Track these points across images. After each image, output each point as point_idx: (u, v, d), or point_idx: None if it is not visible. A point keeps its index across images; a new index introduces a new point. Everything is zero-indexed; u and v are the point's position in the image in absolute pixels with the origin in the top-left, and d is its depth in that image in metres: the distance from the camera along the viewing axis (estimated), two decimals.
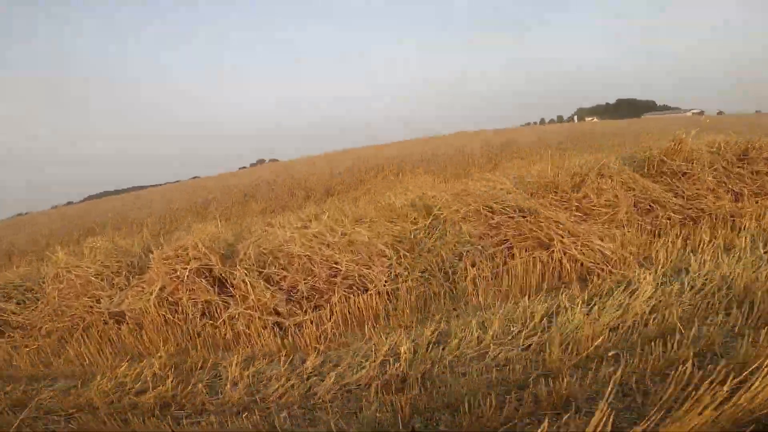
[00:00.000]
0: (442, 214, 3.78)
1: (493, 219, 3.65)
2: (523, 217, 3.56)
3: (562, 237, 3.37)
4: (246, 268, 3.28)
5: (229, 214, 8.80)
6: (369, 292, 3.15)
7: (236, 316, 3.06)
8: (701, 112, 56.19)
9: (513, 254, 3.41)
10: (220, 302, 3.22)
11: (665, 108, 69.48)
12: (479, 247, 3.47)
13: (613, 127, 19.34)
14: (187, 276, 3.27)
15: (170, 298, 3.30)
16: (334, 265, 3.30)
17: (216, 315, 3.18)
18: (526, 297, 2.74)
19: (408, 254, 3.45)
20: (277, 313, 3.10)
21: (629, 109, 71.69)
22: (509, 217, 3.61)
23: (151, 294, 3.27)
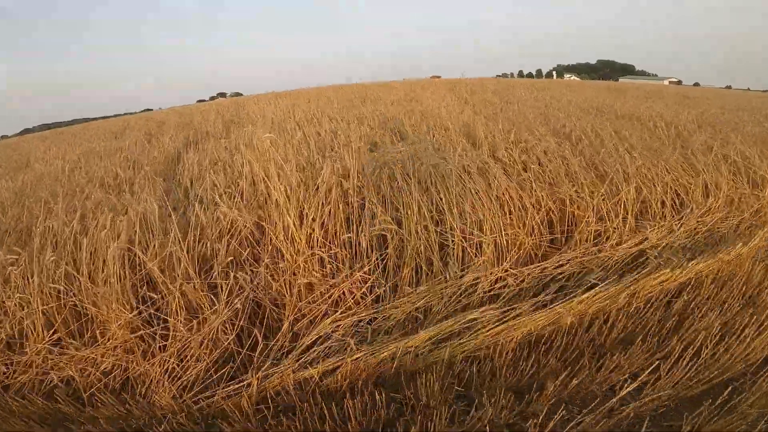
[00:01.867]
0: None
1: None
2: None
3: None
4: None
5: None
6: None
7: None
8: (679, 82, 54.25)
9: None
10: None
11: (643, 73, 66.88)
12: None
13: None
14: None
15: None
16: None
17: None
18: None
19: None
20: None
21: (608, 70, 68.38)
22: None
23: None
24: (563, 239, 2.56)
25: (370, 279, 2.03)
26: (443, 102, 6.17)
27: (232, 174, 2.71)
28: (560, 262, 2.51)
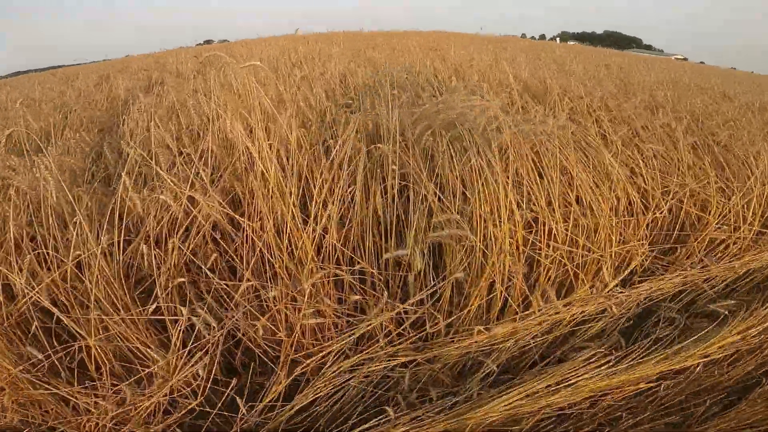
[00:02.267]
0: None
1: None
2: None
3: None
4: None
5: None
6: None
7: None
8: (685, 59, 52.07)
9: None
10: None
11: (649, 47, 64.21)
12: None
13: None
14: None
15: None
16: None
17: None
18: None
19: None
20: None
21: (614, 41, 65.30)
22: None
23: None
24: (676, 249, 1.79)
25: (416, 312, 1.23)
26: (469, 51, 5.10)
27: (200, 125, 1.79)
28: (670, 279, 1.75)
